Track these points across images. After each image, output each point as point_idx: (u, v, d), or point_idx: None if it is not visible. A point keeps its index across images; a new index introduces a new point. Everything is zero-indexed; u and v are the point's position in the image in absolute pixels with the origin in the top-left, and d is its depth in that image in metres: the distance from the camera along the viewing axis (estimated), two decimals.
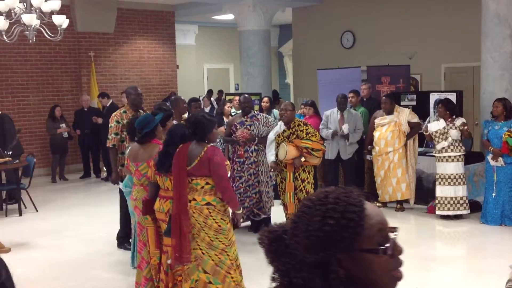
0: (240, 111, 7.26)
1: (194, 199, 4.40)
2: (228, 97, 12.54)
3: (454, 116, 7.40)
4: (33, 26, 6.66)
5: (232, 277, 4.42)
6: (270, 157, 6.60)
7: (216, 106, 12.83)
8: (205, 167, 4.36)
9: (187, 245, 4.34)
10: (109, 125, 6.18)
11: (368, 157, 8.17)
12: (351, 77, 9.99)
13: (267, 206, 6.92)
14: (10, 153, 8.60)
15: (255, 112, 7.19)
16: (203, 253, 4.37)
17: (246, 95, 7.40)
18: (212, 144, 4.54)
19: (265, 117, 7.15)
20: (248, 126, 6.87)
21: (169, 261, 4.50)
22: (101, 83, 12.47)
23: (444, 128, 7.35)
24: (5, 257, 4.36)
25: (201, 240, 4.38)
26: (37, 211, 8.51)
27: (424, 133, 7.61)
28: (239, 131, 6.84)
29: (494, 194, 7.06)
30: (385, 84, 9.77)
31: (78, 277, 5.75)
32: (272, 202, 7.05)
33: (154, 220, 4.71)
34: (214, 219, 4.38)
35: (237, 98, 10.56)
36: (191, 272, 4.40)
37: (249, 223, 7.18)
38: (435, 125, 7.44)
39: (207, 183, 4.40)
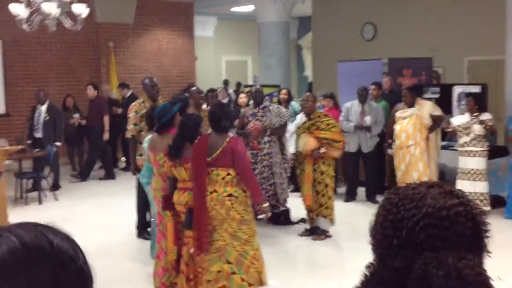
0: None
1: (215, 191, 4.32)
2: (246, 89, 12.48)
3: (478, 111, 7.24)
4: (53, 15, 6.64)
5: (256, 267, 4.36)
6: (290, 148, 6.53)
7: (233, 98, 12.79)
8: (228, 157, 4.29)
9: (206, 235, 4.29)
10: (128, 116, 6.15)
11: (389, 151, 8.04)
12: (372, 70, 9.85)
13: (282, 198, 6.85)
14: (59, 144, 9.08)
15: (267, 103, 7.11)
16: (226, 244, 4.31)
17: (257, 86, 7.34)
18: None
19: (277, 107, 7.08)
20: (260, 117, 6.80)
21: (191, 250, 4.45)
22: (120, 74, 12.48)
23: (467, 122, 7.18)
24: None
25: (223, 231, 4.32)
26: (56, 200, 8.54)
27: (446, 129, 7.46)
28: (251, 124, 6.77)
29: None
30: (407, 77, 9.61)
31: (95, 266, 5.71)
32: (287, 193, 6.99)
33: (175, 216, 4.65)
34: (236, 211, 4.30)
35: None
36: (211, 263, 4.35)
37: (265, 216, 7.11)
38: (458, 119, 7.28)
39: (228, 174, 4.33)
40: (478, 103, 7.20)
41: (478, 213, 1.13)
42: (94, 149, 10.27)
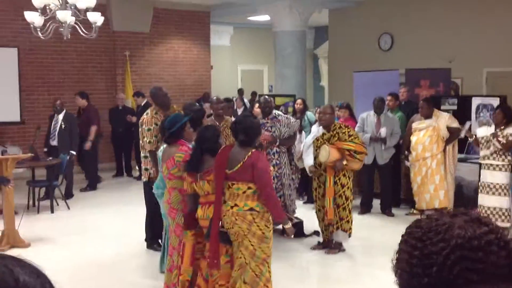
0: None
1: (236, 205, 4.19)
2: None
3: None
4: (68, 23, 6.63)
5: None
6: (309, 161, 6.40)
7: (248, 107, 12.72)
8: (248, 172, 4.15)
9: (217, 250, 4.18)
10: (145, 128, 5.98)
11: (406, 163, 7.88)
12: (388, 80, 9.72)
13: (290, 209, 6.73)
14: (74, 152, 9.13)
15: (276, 113, 7.00)
16: (246, 263, 4.19)
17: (266, 96, 7.23)
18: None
19: (286, 118, 6.97)
20: (269, 128, 6.70)
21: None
22: (135, 83, 12.49)
23: (491, 135, 6.97)
24: (25, 254, 4.25)
25: (244, 249, 4.19)
26: (68, 208, 8.51)
27: (469, 138, 7.26)
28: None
29: None
30: (424, 88, 9.47)
31: (102, 279, 5.64)
32: (295, 205, 6.89)
33: (195, 236, 4.52)
34: (258, 226, 4.16)
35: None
36: (235, 281, 4.23)
37: (281, 227, 7.01)
38: (483, 131, 7.06)
39: (249, 188, 4.19)
40: (506, 116, 6.96)
41: (509, 240, 1.03)
42: (89, 158, 10.15)
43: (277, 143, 6.64)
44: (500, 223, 6.86)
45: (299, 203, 7.97)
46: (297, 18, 12.41)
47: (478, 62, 10.90)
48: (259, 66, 18.06)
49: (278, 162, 6.64)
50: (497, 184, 6.95)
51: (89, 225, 7.66)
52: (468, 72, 10.93)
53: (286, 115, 7.23)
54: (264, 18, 14.17)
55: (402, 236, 1.08)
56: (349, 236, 6.22)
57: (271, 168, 6.50)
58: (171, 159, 4.63)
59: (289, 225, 4.40)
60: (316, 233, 6.83)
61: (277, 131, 6.66)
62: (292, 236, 4.57)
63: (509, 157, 6.94)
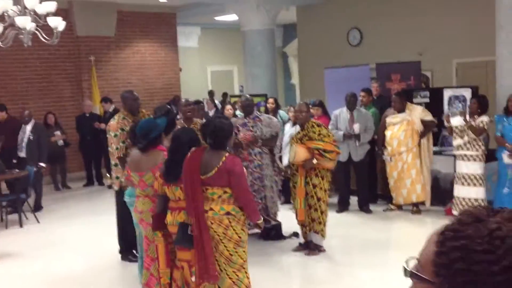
0: None
1: (211, 209, 4.03)
2: (232, 99, 12.24)
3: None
4: (27, 30, 6.36)
5: None
6: (285, 160, 6.28)
7: (220, 109, 12.55)
8: (224, 177, 3.99)
9: (212, 259, 3.99)
10: (112, 134, 5.77)
11: (384, 158, 7.80)
12: (359, 75, 9.67)
13: (272, 212, 6.59)
14: (43, 164, 8.80)
15: (258, 113, 6.85)
16: (221, 270, 4.03)
17: (247, 96, 7.09)
18: (228, 150, 4.21)
19: (268, 117, 6.83)
20: (251, 128, 6.54)
21: (193, 279, 4.12)
22: (102, 88, 12.18)
23: (465, 125, 6.96)
24: None
25: (219, 255, 4.03)
26: (38, 222, 8.21)
27: (446, 122, 7.24)
28: (242, 134, 6.50)
29: (506, 190, 6.68)
30: (395, 82, 9.44)
31: None
32: (278, 207, 6.73)
33: (165, 236, 4.33)
34: (234, 230, 4.02)
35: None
36: None
37: (258, 230, 6.85)
38: (458, 120, 7.05)
39: (225, 192, 4.04)
40: (481, 106, 6.98)
41: None
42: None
43: (259, 143, 6.49)
44: None
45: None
46: (265, 17, 12.28)
47: (447, 54, 10.92)
48: (229, 67, 17.89)
49: (260, 163, 6.48)
50: (472, 174, 6.93)
51: (61, 238, 7.39)
52: (438, 64, 10.96)
53: (268, 115, 7.08)
54: (232, 18, 14.01)
55: (454, 253, 0.92)
56: (323, 238, 6.08)
57: (255, 168, 6.39)
58: (160, 166, 4.40)
59: (260, 220, 4.27)
60: (295, 234, 6.70)
61: (258, 130, 6.51)
62: (261, 229, 4.48)
63: (482, 147, 6.93)
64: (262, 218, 4.35)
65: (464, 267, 0.90)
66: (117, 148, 5.72)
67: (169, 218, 4.22)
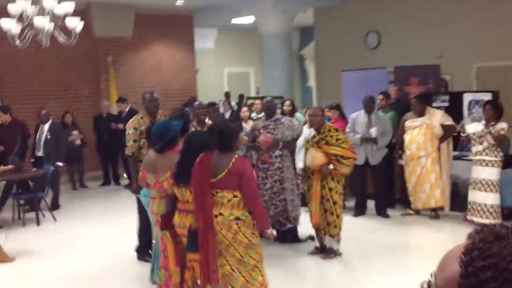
0: (262, 114, 6.90)
1: (221, 214, 4.00)
2: (249, 101, 12.21)
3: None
4: (46, 30, 6.38)
5: None
6: (299, 163, 6.22)
7: (236, 111, 12.52)
8: (234, 180, 3.96)
9: (215, 264, 3.97)
10: (126, 132, 5.85)
11: (400, 161, 7.72)
12: (377, 79, 9.58)
13: (292, 215, 6.52)
14: (60, 163, 8.82)
15: (279, 115, 6.80)
16: (232, 270, 4.00)
17: (269, 97, 7.02)
18: (238, 152, 4.18)
19: (290, 120, 6.76)
20: (272, 130, 6.49)
21: (198, 282, 4.12)
22: (119, 89, 12.24)
23: (482, 130, 6.85)
24: (10, 269, 4.01)
25: (230, 256, 4.00)
26: (55, 220, 8.25)
27: (462, 134, 7.14)
28: (262, 136, 6.45)
29: None
30: (414, 85, 9.32)
31: None
32: (299, 210, 6.66)
33: (173, 236, 4.32)
34: (244, 235, 3.98)
35: (258, 102, 10.22)
36: None
37: (274, 233, 6.81)
38: (474, 127, 6.95)
39: (234, 196, 4.00)
40: (496, 111, 6.87)
41: None
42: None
43: (280, 146, 6.44)
44: (491, 220, 6.73)
45: None
46: (282, 19, 12.25)
47: (467, 58, 10.78)
48: (245, 69, 17.87)
49: (280, 165, 6.42)
50: (489, 180, 6.83)
51: (77, 237, 7.41)
52: (458, 68, 10.81)
53: (290, 118, 7.02)
54: (248, 20, 13.99)
55: (484, 273, 0.88)
56: (338, 242, 6.02)
57: (275, 171, 6.35)
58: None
59: (270, 230, 4.22)
60: (311, 237, 6.64)
61: (280, 133, 6.46)
62: (273, 240, 4.41)
63: (501, 153, 6.83)
64: (271, 228, 4.30)
65: (497, 287, 0.86)
66: (126, 146, 5.82)
67: (176, 219, 4.22)
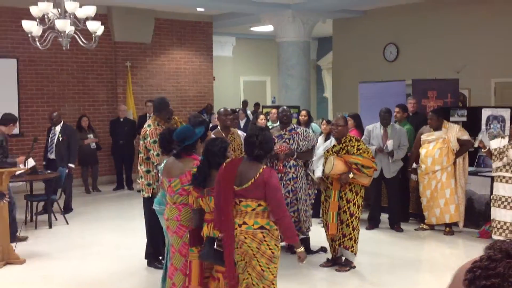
0: (277, 124, 6.86)
1: (244, 223, 3.90)
2: (265, 110, 12.20)
3: None
4: (67, 33, 6.43)
5: None
6: (317, 172, 6.17)
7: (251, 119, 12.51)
8: (260, 190, 3.87)
9: (234, 272, 3.93)
10: (150, 140, 5.74)
11: (413, 177, 7.65)
12: (395, 91, 9.52)
13: (305, 226, 6.47)
14: (72, 165, 8.84)
15: (294, 125, 6.76)
16: (253, 284, 3.94)
17: (285, 107, 6.99)
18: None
19: (305, 130, 6.71)
20: (287, 140, 6.46)
21: None
22: (137, 94, 12.32)
23: (504, 146, 6.75)
24: (20, 271, 4.00)
25: (252, 269, 3.93)
26: (67, 223, 8.28)
27: (482, 149, 7.04)
28: (277, 145, 6.42)
29: None
30: (432, 99, 9.25)
31: None
32: (311, 221, 6.61)
33: None
34: (268, 245, 3.89)
35: (274, 110, 10.21)
36: None
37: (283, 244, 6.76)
38: (497, 142, 6.84)
39: (259, 205, 3.91)
40: None
41: None
42: None
43: (294, 156, 6.40)
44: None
45: None
46: (301, 29, 12.25)
47: (486, 72, 10.69)
48: (262, 77, 17.89)
49: (294, 176, 6.38)
50: (509, 197, 6.71)
51: (88, 241, 7.42)
52: (476, 82, 10.72)
53: (305, 128, 6.97)
54: (267, 28, 14.00)
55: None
56: (354, 254, 5.95)
57: (289, 181, 6.30)
58: (187, 174, 4.37)
59: (301, 249, 4.09)
60: (322, 249, 6.59)
61: (295, 143, 6.42)
62: (304, 262, 4.20)
63: None
64: (302, 247, 4.15)
65: None
66: (157, 155, 5.64)
67: (205, 230, 4.15)
